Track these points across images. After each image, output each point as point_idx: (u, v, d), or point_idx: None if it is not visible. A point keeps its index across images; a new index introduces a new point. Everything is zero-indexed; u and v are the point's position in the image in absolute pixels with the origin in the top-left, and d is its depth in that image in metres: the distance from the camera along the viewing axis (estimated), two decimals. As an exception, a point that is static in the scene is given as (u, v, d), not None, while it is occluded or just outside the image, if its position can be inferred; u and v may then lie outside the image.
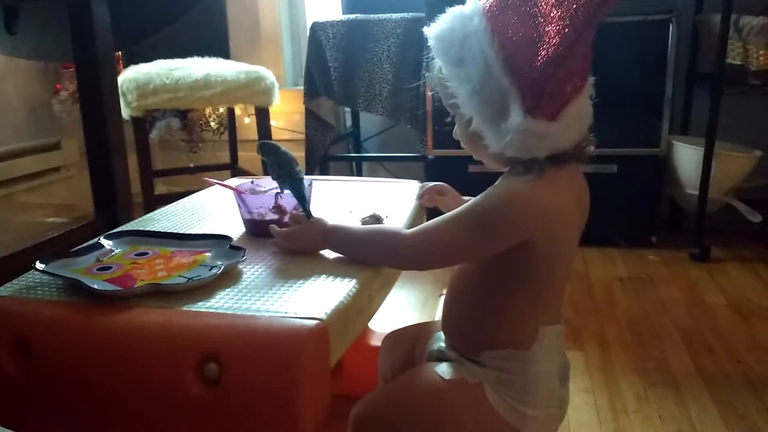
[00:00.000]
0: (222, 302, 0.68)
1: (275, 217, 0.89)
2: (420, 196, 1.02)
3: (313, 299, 0.69)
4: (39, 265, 0.73)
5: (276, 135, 2.35)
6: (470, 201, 0.75)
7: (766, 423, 1.22)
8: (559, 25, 0.67)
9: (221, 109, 2.50)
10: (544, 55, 0.67)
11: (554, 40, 0.67)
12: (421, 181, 1.40)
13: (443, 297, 1.21)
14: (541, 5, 0.69)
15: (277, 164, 0.89)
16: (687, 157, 2.06)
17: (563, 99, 0.70)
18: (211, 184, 1.05)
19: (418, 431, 0.79)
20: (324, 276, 0.75)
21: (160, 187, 2.65)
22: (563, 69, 0.68)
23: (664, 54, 1.95)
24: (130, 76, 1.97)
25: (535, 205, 0.72)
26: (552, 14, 0.67)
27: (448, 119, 0.80)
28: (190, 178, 2.56)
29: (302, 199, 0.87)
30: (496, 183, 0.78)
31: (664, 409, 1.26)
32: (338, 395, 0.67)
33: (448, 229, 0.75)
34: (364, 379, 1.07)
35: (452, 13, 0.74)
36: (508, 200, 0.73)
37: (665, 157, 2.08)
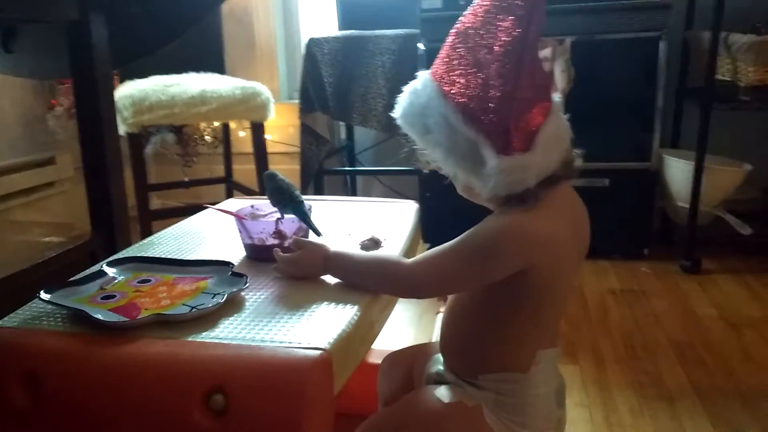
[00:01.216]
0: (226, 332, 0.69)
1: (276, 242, 0.91)
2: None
3: (316, 328, 0.70)
4: (44, 295, 0.74)
5: (271, 148, 2.36)
6: (468, 231, 0.77)
7: (758, 436, 1.24)
8: (497, 66, 0.71)
9: (216, 123, 2.51)
10: (495, 96, 0.71)
11: (499, 81, 0.71)
12: (416, 197, 1.41)
13: (440, 315, 1.22)
14: (477, 54, 0.72)
15: (277, 190, 0.90)
16: (678, 170, 2.09)
17: (530, 128, 0.73)
18: (211, 210, 1.06)
19: (419, 455, 0.81)
20: (326, 303, 0.77)
21: (155, 201, 2.66)
22: (518, 102, 0.71)
23: (654, 70, 1.98)
24: (126, 92, 1.98)
25: (531, 234, 0.74)
26: (488, 58, 0.71)
27: (446, 182, 0.82)
28: (185, 192, 2.57)
29: (307, 220, 0.89)
30: (492, 213, 0.80)
31: (658, 423, 1.28)
32: (335, 413, 0.68)
33: (447, 260, 0.77)
34: (361, 397, 1.08)
35: (407, 91, 0.79)
36: (505, 230, 0.74)
37: (656, 171, 2.11)
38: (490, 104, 0.71)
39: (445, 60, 0.76)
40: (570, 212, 0.81)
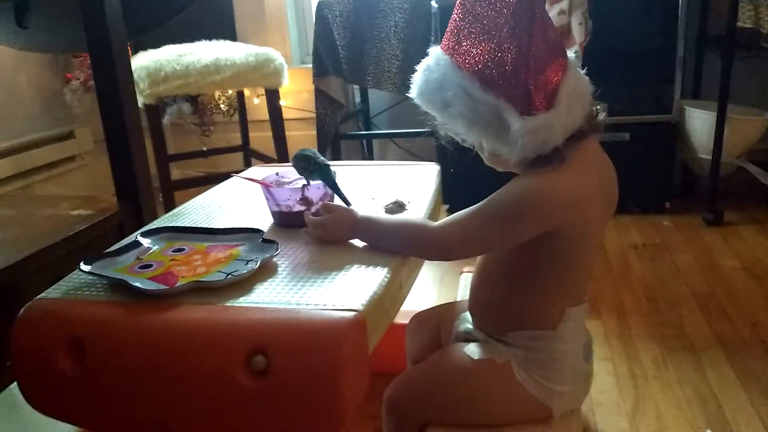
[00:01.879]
0: (263, 296, 0.71)
1: (302, 208, 0.92)
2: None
3: (349, 290, 0.72)
4: (84, 267, 0.77)
5: (286, 114, 2.35)
6: (495, 193, 0.77)
7: (783, 384, 1.25)
8: (508, 28, 0.70)
9: (230, 91, 2.50)
10: (511, 58, 0.71)
11: (513, 42, 0.70)
12: (434, 159, 1.41)
13: (464, 275, 1.24)
14: (486, 21, 0.72)
15: (302, 157, 0.91)
16: (699, 121, 2.05)
17: (550, 85, 0.73)
18: (236, 178, 1.07)
19: (450, 410, 0.83)
20: (356, 266, 0.78)
21: (174, 171, 2.68)
22: (534, 61, 0.71)
23: (674, 19, 1.93)
24: (140, 63, 1.98)
25: (558, 195, 0.74)
26: (498, 22, 0.71)
27: (472, 155, 0.82)
28: (204, 161, 2.59)
29: (334, 186, 0.90)
30: (518, 175, 0.80)
31: (682, 374, 1.30)
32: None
33: (474, 223, 0.77)
34: (388, 355, 1.11)
35: (420, 69, 0.79)
36: (533, 192, 0.75)
37: (677, 123, 2.08)
38: (506, 67, 0.71)
39: (454, 32, 0.75)
40: (598, 170, 0.81)
